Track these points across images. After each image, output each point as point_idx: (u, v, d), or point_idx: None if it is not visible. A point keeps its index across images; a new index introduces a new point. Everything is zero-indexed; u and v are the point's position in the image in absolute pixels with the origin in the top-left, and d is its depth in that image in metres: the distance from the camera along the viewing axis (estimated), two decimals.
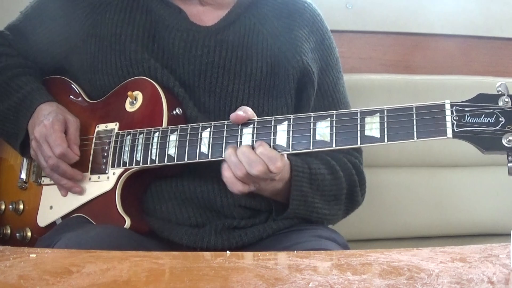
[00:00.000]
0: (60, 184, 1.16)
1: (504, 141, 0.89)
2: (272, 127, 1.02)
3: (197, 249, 1.13)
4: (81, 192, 1.15)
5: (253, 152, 1.01)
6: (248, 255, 0.89)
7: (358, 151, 1.29)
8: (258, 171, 0.99)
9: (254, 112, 1.05)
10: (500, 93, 0.90)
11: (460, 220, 1.74)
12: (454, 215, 1.74)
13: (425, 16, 1.80)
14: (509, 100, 0.89)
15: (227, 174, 1.03)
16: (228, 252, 0.88)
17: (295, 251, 0.88)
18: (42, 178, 1.23)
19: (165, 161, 1.09)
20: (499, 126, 0.89)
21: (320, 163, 1.17)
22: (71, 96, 1.26)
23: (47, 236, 1.12)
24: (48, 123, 1.15)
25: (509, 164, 0.89)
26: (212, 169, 1.13)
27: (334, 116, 0.99)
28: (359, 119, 0.97)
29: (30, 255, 0.84)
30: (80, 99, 1.25)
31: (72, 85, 1.27)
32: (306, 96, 1.23)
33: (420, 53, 1.83)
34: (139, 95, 1.16)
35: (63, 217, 1.17)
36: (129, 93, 1.16)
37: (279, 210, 1.17)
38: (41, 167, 1.19)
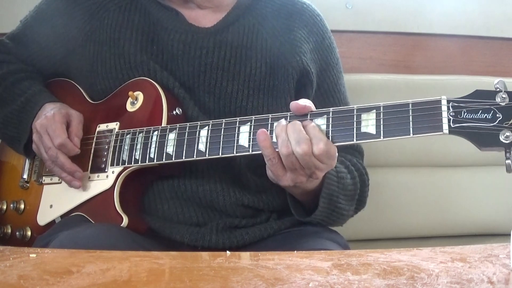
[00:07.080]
0: (60, 177, 1.16)
1: (501, 137, 0.87)
2: (269, 125, 1.02)
3: (198, 247, 1.13)
4: (80, 186, 1.15)
5: (303, 130, 0.98)
6: (248, 255, 0.89)
7: (360, 153, 1.29)
8: (302, 149, 0.96)
9: (254, 112, 1.04)
10: (497, 89, 0.89)
11: (460, 220, 1.74)
12: (454, 215, 1.74)
13: (425, 16, 1.80)
14: (507, 96, 0.88)
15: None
16: (228, 252, 0.88)
17: (295, 251, 0.88)
18: (43, 177, 1.23)
19: (163, 159, 1.09)
20: (496, 122, 0.88)
21: (338, 163, 1.15)
22: (74, 97, 1.26)
23: (45, 235, 1.12)
24: (50, 115, 1.15)
25: (507, 161, 0.87)
26: (215, 168, 1.12)
27: (331, 113, 0.99)
28: (355, 116, 0.97)
29: (30, 255, 0.84)
30: (82, 100, 1.25)
31: (75, 87, 1.27)
32: (305, 97, 1.22)
33: (420, 53, 1.83)
34: (139, 95, 1.17)
35: (62, 216, 1.17)
36: (130, 93, 1.16)
37: (300, 212, 1.16)
38: (43, 160, 1.19)
